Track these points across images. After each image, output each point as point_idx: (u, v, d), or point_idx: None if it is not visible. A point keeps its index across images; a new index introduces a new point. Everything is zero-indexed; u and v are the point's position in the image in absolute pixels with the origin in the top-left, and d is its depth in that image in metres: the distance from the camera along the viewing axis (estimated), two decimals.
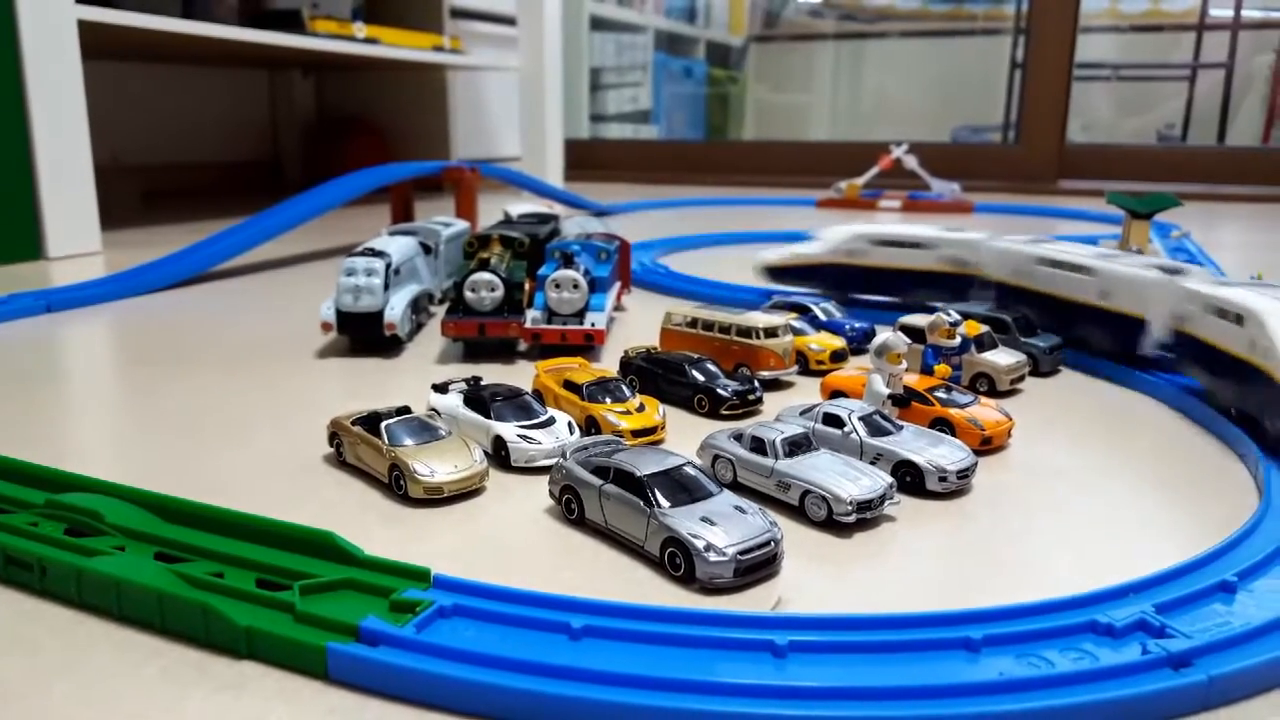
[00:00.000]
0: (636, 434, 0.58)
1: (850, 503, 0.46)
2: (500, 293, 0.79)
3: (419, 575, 0.39)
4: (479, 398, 0.58)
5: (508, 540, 0.46)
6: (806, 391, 0.71)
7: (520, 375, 0.73)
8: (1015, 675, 0.33)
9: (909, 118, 3.43)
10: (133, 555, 0.40)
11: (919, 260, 0.91)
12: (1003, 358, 0.71)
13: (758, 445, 0.51)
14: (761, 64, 3.87)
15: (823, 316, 0.85)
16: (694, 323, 0.76)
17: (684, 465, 0.46)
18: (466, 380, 0.62)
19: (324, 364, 0.79)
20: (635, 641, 0.35)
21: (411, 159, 2.09)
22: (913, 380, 0.62)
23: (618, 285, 0.96)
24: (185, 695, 0.33)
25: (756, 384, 0.66)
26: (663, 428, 0.60)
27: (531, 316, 0.79)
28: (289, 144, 2.51)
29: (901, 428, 0.56)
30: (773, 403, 0.66)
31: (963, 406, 0.60)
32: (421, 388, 0.65)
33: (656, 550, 0.43)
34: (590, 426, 0.60)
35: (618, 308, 0.98)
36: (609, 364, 0.75)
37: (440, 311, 0.91)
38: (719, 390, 0.64)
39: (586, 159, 2.93)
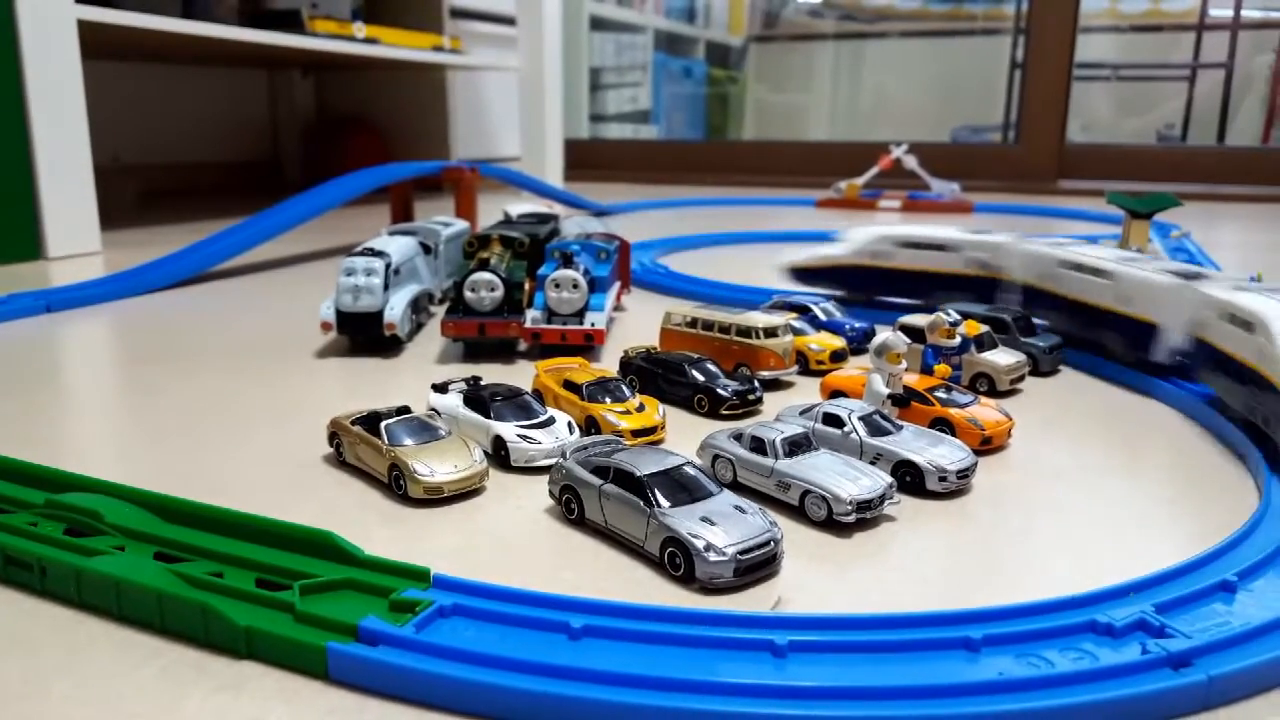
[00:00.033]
0: (636, 434, 0.58)
1: (850, 502, 0.46)
2: (500, 293, 0.79)
3: (419, 575, 0.39)
4: (479, 397, 0.58)
5: (508, 540, 0.46)
6: (806, 391, 0.71)
7: (520, 375, 0.73)
8: (1015, 675, 0.33)
9: (909, 118, 3.43)
10: (132, 555, 0.40)
11: (944, 263, 0.90)
12: (1003, 358, 0.71)
13: (758, 445, 0.51)
14: (761, 64, 3.87)
15: (822, 316, 0.85)
16: (694, 323, 0.76)
17: (684, 465, 0.46)
18: (466, 380, 0.62)
19: (324, 364, 0.79)
20: (635, 641, 0.35)
21: (411, 159, 2.09)
22: (913, 380, 0.62)
23: (617, 285, 0.96)
24: (185, 695, 0.33)
25: (756, 384, 0.66)
26: (663, 428, 0.60)
27: (531, 316, 0.79)
28: (289, 144, 2.51)
29: (901, 428, 0.56)
30: (773, 403, 0.66)
31: (963, 406, 0.60)
32: (421, 388, 0.65)
33: (656, 550, 0.43)
34: (590, 426, 0.60)
35: (617, 308, 0.98)
36: (609, 364, 0.75)
37: (440, 311, 0.91)
38: (719, 390, 0.64)
39: (586, 159, 2.93)
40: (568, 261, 0.80)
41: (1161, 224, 1.49)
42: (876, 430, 0.54)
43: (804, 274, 1.01)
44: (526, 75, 2.39)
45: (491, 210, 1.31)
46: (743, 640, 0.35)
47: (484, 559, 0.44)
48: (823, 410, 0.56)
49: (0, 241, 1.22)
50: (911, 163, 2.17)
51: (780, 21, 3.86)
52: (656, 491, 0.44)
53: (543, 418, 0.57)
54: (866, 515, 0.47)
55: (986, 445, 0.57)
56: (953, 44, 3.52)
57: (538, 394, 0.61)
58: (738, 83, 3.88)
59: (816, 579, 0.42)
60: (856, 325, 0.83)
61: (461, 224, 1.10)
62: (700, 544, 0.41)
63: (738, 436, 0.53)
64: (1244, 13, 2.90)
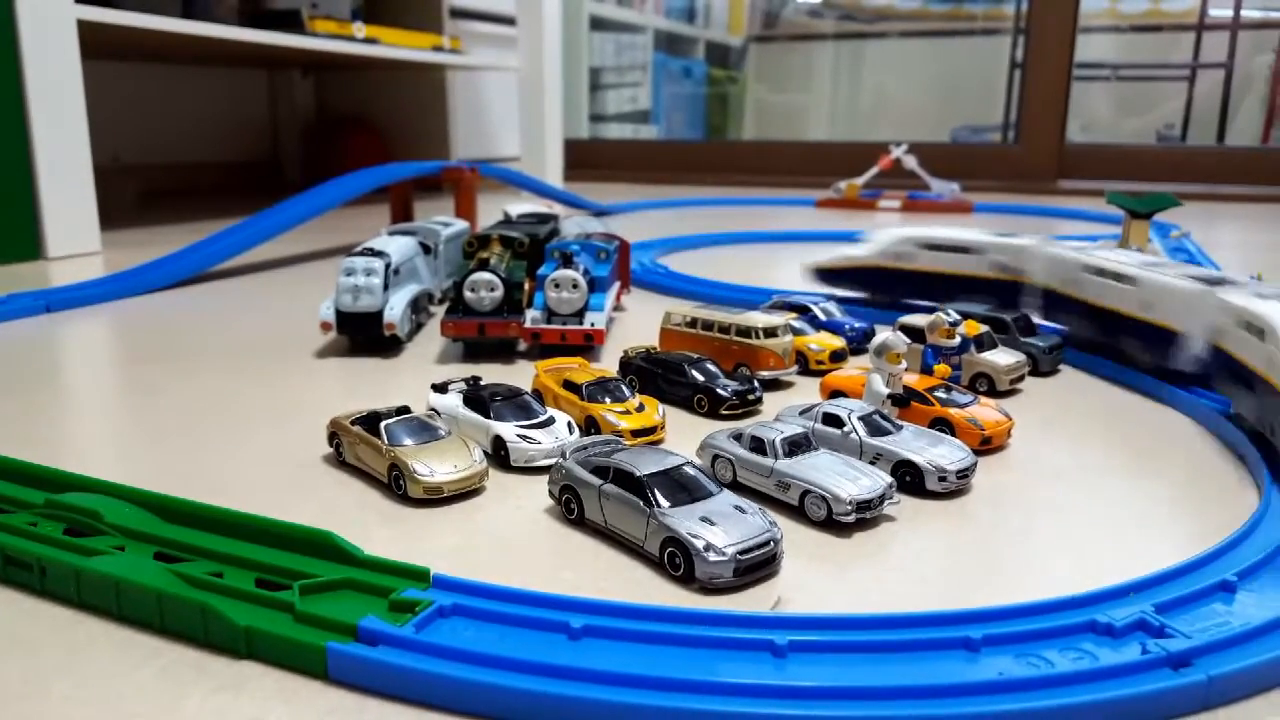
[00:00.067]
0: (636, 434, 0.58)
1: (850, 502, 0.46)
2: (500, 293, 0.79)
3: (418, 575, 0.39)
4: (478, 397, 0.58)
5: (507, 540, 0.46)
6: (806, 391, 0.71)
7: (520, 375, 0.73)
8: (1015, 675, 0.33)
9: (909, 118, 3.43)
10: (132, 555, 0.40)
11: (967, 266, 0.89)
12: (1002, 358, 0.71)
13: (757, 445, 0.51)
14: (761, 64, 3.87)
15: (822, 316, 0.85)
16: (693, 323, 0.76)
17: (684, 465, 0.46)
18: (466, 380, 0.62)
19: (323, 364, 0.79)
20: (635, 641, 0.35)
21: (411, 159, 2.09)
22: (912, 380, 0.62)
23: (617, 285, 0.96)
24: (184, 695, 0.33)
25: (756, 384, 0.66)
26: (662, 428, 0.60)
27: (531, 316, 0.79)
28: (288, 144, 2.51)
29: (901, 427, 0.56)
30: (772, 403, 0.66)
31: (962, 406, 0.60)
32: (421, 388, 0.65)
33: (656, 550, 0.43)
34: (590, 426, 0.60)
35: (617, 308, 0.98)
36: (609, 364, 0.75)
37: (440, 311, 0.91)
38: (719, 390, 0.64)
39: (586, 159, 2.93)
40: (567, 261, 0.80)
41: (1161, 224, 1.49)
42: (876, 430, 0.54)
43: (828, 275, 1.01)
44: (526, 75, 2.39)
45: (491, 210, 1.31)
46: (743, 640, 0.35)
47: (484, 559, 0.44)
48: (822, 410, 0.56)
49: (0, 241, 1.22)
50: (911, 163, 2.17)
51: (780, 21, 3.86)
52: (656, 491, 0.44)
53: (542, 418, 0.57)
54: (866, 515, 0.47)
55: (986, 445, 0.57)
56: (953, 44, 3.52)
57: (538, 394, 0.61)
58: (737, 83, 3.88)
59: (816, 579, 0.42)
60: (856, 325, 0.83)
61: (461, 224, 1.10)
62: (700, 544, 0.41)
63: (737, 436, 0.53)
64: (1244, 13, 2.90)
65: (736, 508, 0.44)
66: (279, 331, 0.89)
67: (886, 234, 0.96)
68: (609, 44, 3.36)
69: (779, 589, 0.41)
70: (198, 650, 0.36)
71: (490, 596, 0.38)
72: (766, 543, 0.42)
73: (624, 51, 3.43)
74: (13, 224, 1.23)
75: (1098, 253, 0.80)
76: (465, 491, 0.51)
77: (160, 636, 0.37)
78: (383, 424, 0.53)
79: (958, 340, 0.69)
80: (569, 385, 0.63)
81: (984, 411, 0.60)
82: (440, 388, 0.61)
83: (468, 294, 0.78)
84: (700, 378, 0.66)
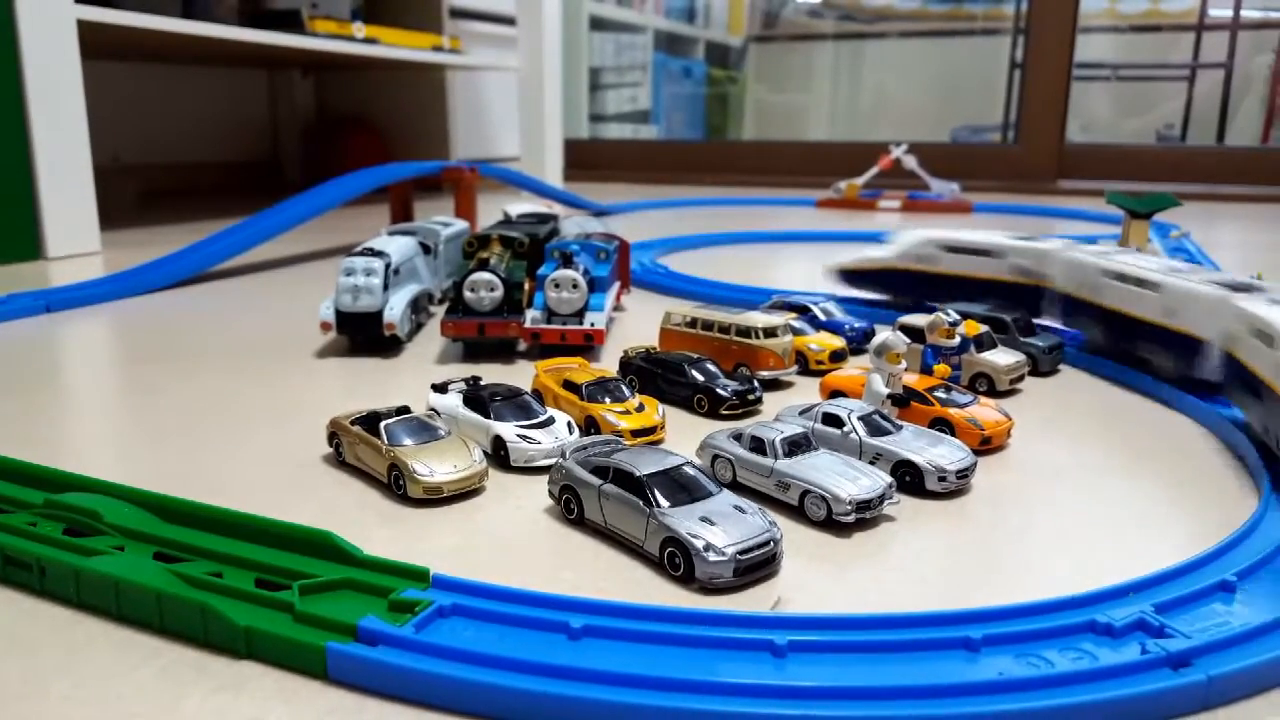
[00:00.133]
0: (636, 434, 0.58)
1: (849, 502, 0.46)
2: (500, 293, 0.79)
3: (418, 575, 0.39)
4: (478, 397, 0.58)
5: (507, 540, 0.46)
6: (806, 391, 0.71)
7: (520, 375, 0.73)
8: (1015, 675, 0.33)
9: (908, 118, 3.43)
10: (131, 555, 0.40)
11: (988, 269, 0.88)
12: (1002, 358, 0.71)
13: (757, 445, 0.51)
14: (761, 64, 3.87)
15: (822, 316, 0.85)
16: (693, 323, 0.76)
17: (683, 465, 0.46)
18: (466, 380, 0.62)
19: (323, 364, 0.79)
20: (635, 641, 0.35)
21: (411, 159, 2.09)
22: (912, 380, 0.62)
23: (617, 285, 0.96)
24: (184, 695, 0.33)
25: (756, 384, 0.66)
26: (662, 428, 0.60)
27: (531, 316, 0.79)
28: (288, 144, 2.51)
29: (901, 427, 0.56)
30: (772, 403, 0.66)
31: (962, 406, 0.60)
32: (421, 388, 0.65)
33: (656, 550, 0.43)
34: (590, 426, 0.60)
35: (617, 308, 0.98)
36: (609, 364, 0.75)
37: (440, 311, 0.91)
38: (718, 390, 0.64)
39: (586, 159, 2.93)
40: (567, 261, 0.80)
41: (1161, 224, 1.49)
42: (876, 430, 0.54)
43: (851, 276, 1.00)
44: (526, 75, 2.39)
45: (491, 210, 1.31)
46: (742, 640, 0.35)
47: (483, 559, 0.44)
48: (822, 410, 0.56)
49: (0, 241, 1.22)
50: (911, 163, 2.17)
51: (780, 21, 3.86)
52: (656, 491, 0.44)
53: (542, 418, 0.56)
54: (866, 515, 0.47)
55: (986, 445, 0.57)
56: (952, 44, 3.52)
57: (537, 394, 0.61)
58: (737, 83, 3.88)
59: (816, 579, 0.42)
60: (856, 325, 0.83)
61: (461, 224, 1.10)
62: (700, 544, 0.41)
63: (737, 436, 0.53)
64: (1243, 13, 2.90)
65: (736, 508, 0.44)
66: (279, 331, 0.89)
67: (909, 236, 0.95)
68: (609, 44, 3.36)
69: (779, 589, 0.41)
70: (197, 650, 0.36)
71: (490, 596, 0.38)
72: (766, 543, 0.42)
73: (624, 51, 3.43)
74: (13, 224, 1.23)
75: (1119, 257, 0.77)
76: (465, 491, 0.51)
77: (160, 636, 0.37)
78: (382, 424, 0.53)
79: (957, 340, 0.69)
80: (569, 385, 0.63)
81: (984, 411, 0.60)
82: (440, 388, 0.61)
83: (468, 294, 0.78)
84: (700, 378, 0.66)
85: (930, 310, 0.83)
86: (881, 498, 0.47)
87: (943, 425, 0.58)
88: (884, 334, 0.60)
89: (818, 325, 0.82)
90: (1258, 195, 2.34)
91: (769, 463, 0.50)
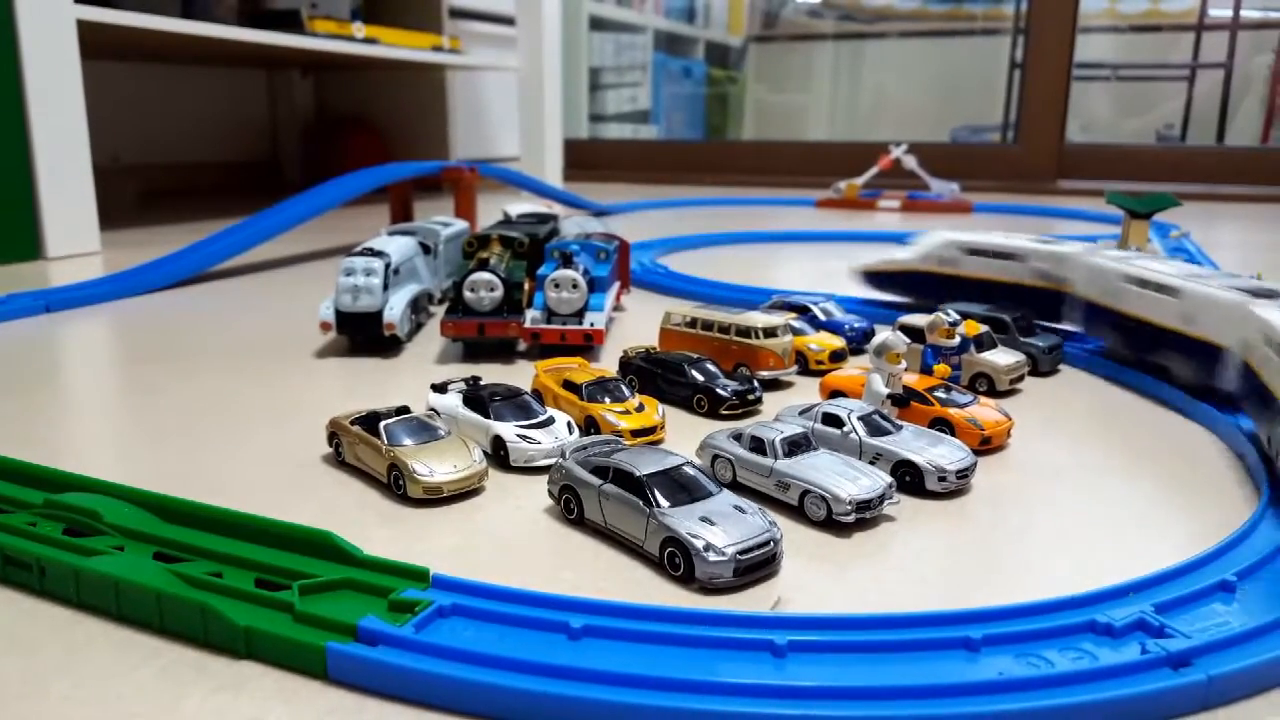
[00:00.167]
0: (636, 434, 0.58)
1: (849, 502, 0.46)
2: (499, 293, 0.79)
3: (418, 575, 0.38)
4: (478, 397, 0.58)
5: (507, 540, 0.46)
6: (806, 391, 0.71)
7: (520, 375, 0.73)
8: (1015, 675, 0.33)
9: (908, 118, 3.43)
10: (131, 555, 0.40)
11: (1010, 273, 0.87)
12: (1002, 358, 0.71)
13: (757, 445, 0.51)
14: (761, 64, 3.87)
15: (822, 316, 0.85)
16: (693, 323, 0.76)
17: (683, 465, 0.46)
18: (465, 380, 0.62)
19: (323, 364, 0.79)
20: (635, 641, 0.35)
21: (410, 159, 2.09)
22: (912, 380, 0.62)
23: (617, 285, 0.96)
24: (184, 695, 0.33)
25: (756, 384, 0.66)
26: (662, 428, 0.60)
27: (531, 316, 0.79)
28: (288, 144, 2.51)
29: (901, 427, 0.56)
30: (772, 403, 0.66)
31: (962, 406, 0.60)
32: (420, 388, 0.65)
33: (656, 550, 0.42)
34: (590, 426, 0.60)
35: (617, 308, 0.98)
36: (608, 364, 0.75)
37: (440, 311, 0.91)
38: (718, 390, 0.64)
39: (585, 159, 2.93)
40: (567, 261, 0.80)
41: (1161, 224, 1.49)
42: (876, 430, 0.54)
43: (874, 278, 1.00)
44: (526, 75, 2.39)
45: (491, 210, 1.31)
46: (742, 640, 0.35)
47: (483, 559, 0.44)
48: (822, 410, 0.56)
49: (0, 241, 1.22)
50: (911, 163, 2.17)
51: (780, 21, 3.86)
52: (656, 491, 0.44)
53: (542, 418, 0.56)
54: (866, 515, 0.47)
55: (986, 445, 0.57)
56: (952, 44, 3.52)
57: (537, 394, 0.61)
58: (737, 83, 3.88)
59: (816, 579, 0.42)
60: (856, 325, 0.83)
61: (461, 224, 1.10)
62: (700, 544, 0.41)
63: (737, 436, 0.53)
64: (1243, 13, 2.90)
65: (736, 508, 0.44)
66: (279, 331, 0.89)
67: (932, 238, 0.94)
68: (609, 44, 3.36)
69: (779, 589, 0.41)
70: (197, 650, 0.36)
71: (490, 596, 0.38)
72: (766, 543, 0.42)
73: (624, 51, 3.43)
74: (12, 224, 1.23)
75: (1138, 261, 0.75)
76: (465, 491, 0.51)
77: (160, 636, 0.37)
78: (382, 424, 0.53)
79: (957, 340, 0.69)
80: (569, 385, 0.63)
81: (984, 411, 0.60)
82: (440, 388, 0.61)
83: (467, 294, 0.78)
84: (700, 378, 0.66)
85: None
86: (881, 498, 0.47)
87: (943, 425, 0.58)
88: (884, 334, 0.60)
89: (818, 325, 0.82)
90: (1257, 195, 2.34)
91: (769, 463, 0.50)
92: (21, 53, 1.19)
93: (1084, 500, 0.51)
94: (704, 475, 0.47)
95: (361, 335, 0.82)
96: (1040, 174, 2.58)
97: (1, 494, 0.46)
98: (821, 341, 0.77)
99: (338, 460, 0.55)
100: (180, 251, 1.18)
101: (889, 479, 0.49)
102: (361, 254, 0.82)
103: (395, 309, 0.80)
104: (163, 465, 0.56)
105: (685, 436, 0.59)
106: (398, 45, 2.01)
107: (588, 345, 0.79)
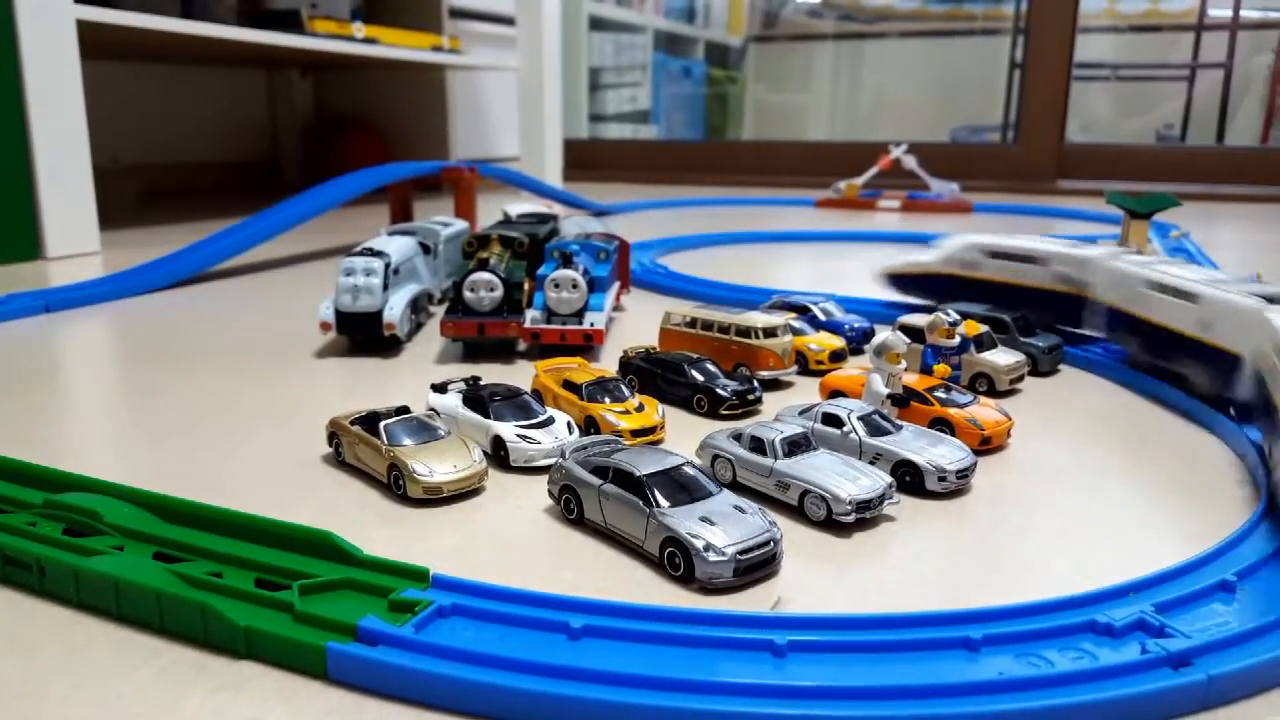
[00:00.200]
0: (636, 434, 0.58)
1: (849, 502, 0.46)
2: (499, 293, 0.79)
3: (418, 575, 0.38)
4: (478, 397, 0.58)
5: (507, 540, 0.46)
6: (806, 391, 0.71)
7: (520, 375, 0.72)
8: (1015, 675, 0.33)
9: (908, 118, 3.43)
10: (131, 555, 0.40)
11: (1031, 277, 0.86)
12: (1002, 358, 0.71)
13: (757, 445, 0.51)
14: (761, 64, 3.87)
15: (822, 316, 0.85)
16: (693, 323, 0.76)
17: (683, 465, 0.46)
18: (465, 380, 0.62)
19: (323, 364, 0.79)
20: (635, 641, 0.35)
21: (410, 159, 2.09)
22: (912, 380, 0.62)
23: (617, 285, 0.96)
24: (184, 695, 0.33)
25: (756, 384, 0.66)
26: (662, 428, 0.60)
27: (531, 316, 0.79)
28: (288, 144, 2.51)
29: (901, 427, 0.56)
30: (772, 403, 0.66)
31: (962, 406, 0.60)
32: (420, 388, 0.65)
33: (656, 550, 0.42)
34: (590, 426, 0.60)
35: (617, 308, 0.98)
36: (608, 364, 0.75)
37: (439, 311, 0.91)
38: (718, 390, 0.64)
39: (585, 159, 2.93)
40: (567, 261, 0.80)
41: (1161, 224, 1.49)
42: (876, 430, 0.54)
43: (898, 280, 0.99)
44: (526, 75, 2.39)
45: (491, 210, 1.31)
46: (742, 640, 0.35)
47: (483, 559, 0.44)
48: (822, 410, 0.56)
49: (0, 241, 1.22)
50: (911, 163, 2.17)
51: (780, 21, 3.86)
52: (656, 491, 0.44)
53: (542, 418, 0.56)
54: (866, 515, 0.47)
55: (986, 445, 0.57)
56: (952, 44, 3.52)
57: (537, 394, 0.61)
58: (737, 83, 3.88)
59: (816, 579, 0.42)
60: (856, 325, 0.83)
61: (461, 224, 1.10)
62: (700, 544, 0.41)
63: (737, 436, 0.53)
64: (1243, 13, 2.90)
65: (736, 508, 0.44)
66: (279, 331, 0.89)
67: (955, 240, 0.93)
68: (609, 44, 3.36)
69: (779, 589, 0.41)
70: (197, 650, 0.36)
71: (490, 596, 0.38)
72: (766, 543, 0.42)
73: (624, 51, 3.43)
74: (12, 224, 1.23)
75: (1160, 266, 0.73)
76: (465, 491, 0.51)
77: (159, 636, 0.37)
78: (382, 424, 0.53)
79: (957, 340, 0.69)
80: (569, 385, 0.63)
81: (984, 411, 0.60)
82: (440, 388, 0.61)
83: (467, 294, 0.78)
84: (700, 378, 0.66)
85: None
86: (881, 498, 0.47)
87: (943, 425, 0.58)
88: (884, 334, 0.60)
89: (818, 325, 0.82)
90: (1257, 195, 2.34)
91: (769, 463, 0.50)
92: (21, 53, 1.19)
93: (1084, 500, 0.51)
94: (704, 475, 0.47)
95: (361, 335, 0.82)
96: (1040, 174, 2.58)
97: (1, 494, 0.46)
98: (821, 341, 0.77)
99: (338, 460, 0.55)
100: (180, 251, 1.18)
101: (889, 479, 0.49)
102: (361, 254, 0.82)
103: (395, 309, 0.80)
104: (163, 465, 0.56)
105: (685, 436, 0.59)
106: (397, 45, 2.01)
107: (588, 345, 0.79)
